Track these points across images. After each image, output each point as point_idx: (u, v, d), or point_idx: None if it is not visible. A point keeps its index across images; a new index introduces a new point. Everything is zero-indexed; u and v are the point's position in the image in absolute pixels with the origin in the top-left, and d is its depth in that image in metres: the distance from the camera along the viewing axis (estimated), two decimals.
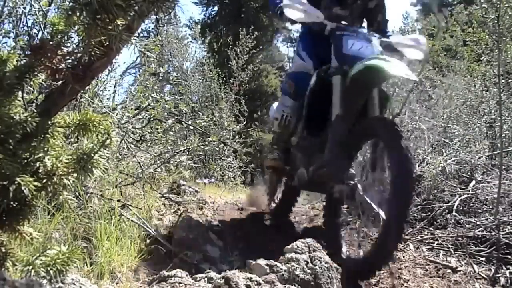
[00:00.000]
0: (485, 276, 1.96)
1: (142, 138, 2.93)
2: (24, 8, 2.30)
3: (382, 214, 1.82)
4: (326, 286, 1.53)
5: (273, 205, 3.41)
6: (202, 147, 3.39)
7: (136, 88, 3.10)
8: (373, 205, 1.92)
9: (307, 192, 6.04)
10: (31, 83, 0.99)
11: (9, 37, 2.35)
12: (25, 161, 0.92)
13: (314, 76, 2.43)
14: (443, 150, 3.55)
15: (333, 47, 2.29)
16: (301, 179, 2.51)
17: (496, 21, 2.27)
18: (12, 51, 1.02)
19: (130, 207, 2.14)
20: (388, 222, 1.74)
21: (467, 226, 2.46)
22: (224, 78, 7.01)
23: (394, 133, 1.82)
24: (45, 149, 0.93)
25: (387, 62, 2.02)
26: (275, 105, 3.19)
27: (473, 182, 2.91)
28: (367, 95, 2.15)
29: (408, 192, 1.76)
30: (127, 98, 3.27)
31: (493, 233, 2.24)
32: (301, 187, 2.90)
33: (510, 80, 4.09)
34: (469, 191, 2.80)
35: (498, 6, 2.24)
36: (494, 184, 2.75)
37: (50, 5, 2.24)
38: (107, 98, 2.98)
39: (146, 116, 2.87)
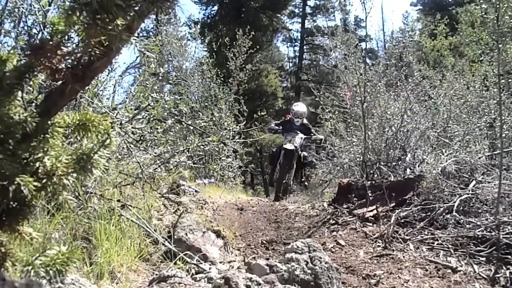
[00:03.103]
0: (485, 276, 1.96)
1: (142, 138, 2.93)
2: (24, 8, 2.29)
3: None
4: (326, 286, 1.53)
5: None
6: (202, 147, 3.39)
7: (136, 88, 3.09)
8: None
9: (306, 193, 6.15)
10: (31, 83, 0.99)
11: (10, 37, 2.34)
12: (25, 161, 0.92)
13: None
14: (443, 150, 3.55)
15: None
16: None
17: (496, 21, 2.26)
18: (12, 51, 1.02)
19: (130, 207, 2.14)
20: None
21: (467, 226, 2.46)
22: (223, 78, 7.02)
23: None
24: (45, 149, 0.93)
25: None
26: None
27: (473, 182, 2.91)
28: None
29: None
30: (127, 98, 3.27)
31: (493, 233, 2.24)
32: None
33: (510, 80, 4.09)
34: (469, 191, 2.79)
35: (498, 6, 2.24)
36: (494, 184, 2.75)
37: (50, 5, 2.24)
38: (107, 98, 2.98)
39: (146, 116, 2.87)
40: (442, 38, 10.47)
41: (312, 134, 6.71)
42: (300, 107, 6.89)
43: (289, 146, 6.31)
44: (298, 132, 6.62)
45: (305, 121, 6.88)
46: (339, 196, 3.65)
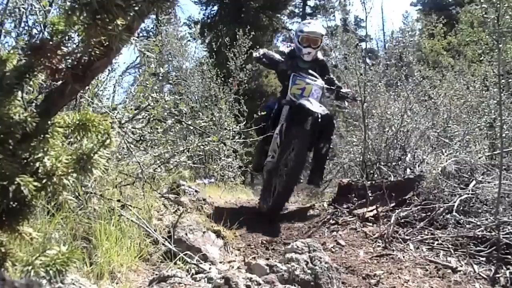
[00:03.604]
0: (485, 276, 1.96)
1: (142, 138, 2.92)
2: (25, 8, 2.30)
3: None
4: (326, 286, 1.53)
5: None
6: (202, 147, 3.39)
7: (136, 88, 3.09)
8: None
9: (306, 192, 6.07)
10: (31, 83, 0.99)
11: (10, 37, 2.35)
12: (25, 161, 0.92)
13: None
14: (443, 150, 3.55)
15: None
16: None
17: (496, 21, 2.26)
18: (12, 51, 1.02)
19: (130, 207, 2.14)
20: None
21: (467, 226, 2.46)
22: (223, 78, 7.02)
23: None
24: (45, 149, 0.93)
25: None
26: None
27: (473, 182, 2.91)
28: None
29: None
30: (127, 98, 3.27)
31: (493, 233, 2.24)
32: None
33: (510, 80, 4.09)
34: (469, 191, 2.79)
35: (498, 6, 2.24)
36: (494, 184, 2.75)
37: (50, 5, 2.24)
38: (107, 98, 2.98)
39: (146, 116, 2.87)
40: (440, 38, 10.48)
41: (333, 84, 3.74)
42: (315, 26, 3.79)
43: (308, 103, 3.28)
44: (311, 73, 3.59)
45: (320, 55, 3.90)
46: (339, 196, 3.65)
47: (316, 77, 3.58)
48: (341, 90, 3.74)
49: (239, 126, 6.09)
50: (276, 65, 3.69)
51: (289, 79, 3.54)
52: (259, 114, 3.71)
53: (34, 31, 2.35)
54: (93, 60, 0.95)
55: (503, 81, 3.60)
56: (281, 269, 1.53)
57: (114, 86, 3.06)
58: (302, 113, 3.33)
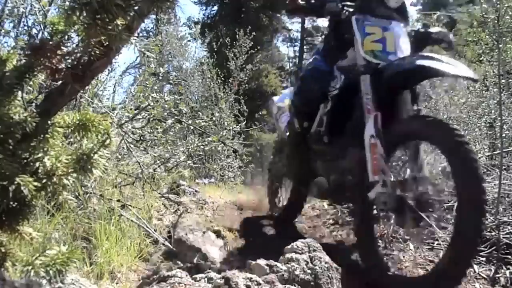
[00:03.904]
0: (485, 276, 1.96)
1: (141, 138, 2.93)
2: (24, 8, 2.30)
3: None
4: (326, 286, 1.53)
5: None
6: (202, 147, 3.39)
7: (136, 88, 3.09)
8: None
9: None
10: (31, 83, 0.99)
11: (9, 37, 2.35)
12: (25, 161, 0.92)
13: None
14: None
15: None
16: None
17: (496, 21, 2.27)
18: (12, 51, 1.02)
19: (130, 207, 2.14)
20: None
21: None
22: (224, 78, 7.02)
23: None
24: (45, 149, 0.93)
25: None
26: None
27: None
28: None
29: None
30: (126, 98, 3.27)
31: (493, 233, 2.24)
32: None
33: (510, 80, 4.09)
34: None
35: (498, 6, 2.24)
36: (494, 184, 2.75)
37: (50, 5, 2.24)
38: (106, 98, 2.99)
39: (146, 116, 2.87)
40: None
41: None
42: None
43: (443, 64, 1.70)
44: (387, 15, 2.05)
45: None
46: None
47: (393, 17, 2.09)
48: (431, 31, 2.30)
49: (239, 126, 6.10)
50: (322, 4, 2.14)
51: (352, 27, 2.01)
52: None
53: (34, 31, 2.35)
54: (93, 60, 0.95)
55: (503, 81, 3.60)
56: (281, 269, 1.53)
57: (114, 86, 3.06)
58: (409, 83, 1.97)
